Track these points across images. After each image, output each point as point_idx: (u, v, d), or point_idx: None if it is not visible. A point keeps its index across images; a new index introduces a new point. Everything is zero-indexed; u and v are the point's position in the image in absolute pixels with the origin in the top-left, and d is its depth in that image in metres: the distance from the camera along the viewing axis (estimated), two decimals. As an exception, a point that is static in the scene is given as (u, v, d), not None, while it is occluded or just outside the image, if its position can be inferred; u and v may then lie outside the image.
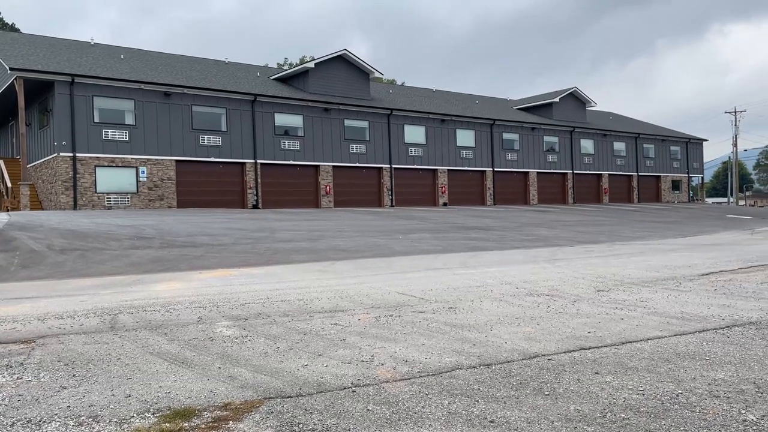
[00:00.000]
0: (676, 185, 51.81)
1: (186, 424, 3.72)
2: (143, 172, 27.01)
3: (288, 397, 4.04)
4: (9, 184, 26.56)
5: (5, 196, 26.83)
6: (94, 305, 7.64)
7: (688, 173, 53.20)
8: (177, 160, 27.80)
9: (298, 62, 50.57)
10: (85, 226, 17.42)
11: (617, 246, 16.42)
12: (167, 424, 3.72)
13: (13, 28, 56.92)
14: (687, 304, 7.10)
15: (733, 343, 5.19)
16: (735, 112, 68.94)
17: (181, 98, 27.98)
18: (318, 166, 31.85)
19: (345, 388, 4.14)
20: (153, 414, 3.88)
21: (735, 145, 69.36)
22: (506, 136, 40.09)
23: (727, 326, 5.89)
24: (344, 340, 5.53)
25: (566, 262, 12.19)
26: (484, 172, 38.83)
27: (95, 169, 25.79)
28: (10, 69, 24.02)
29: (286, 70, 37.39)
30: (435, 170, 36.44)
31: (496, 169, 39.24)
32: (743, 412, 3.54)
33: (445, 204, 36.28)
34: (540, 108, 44.86)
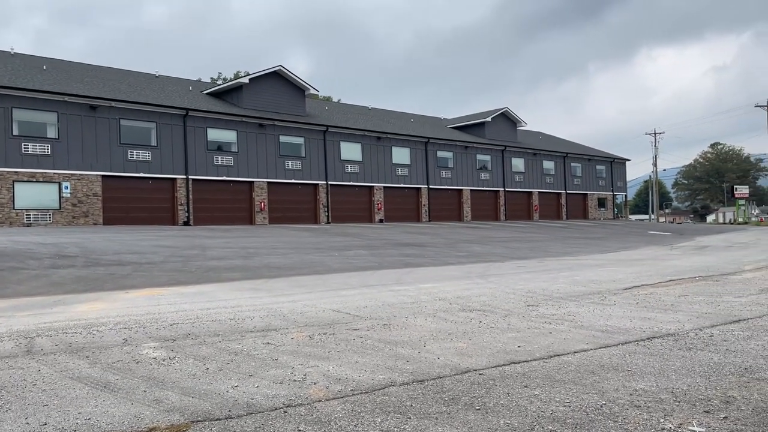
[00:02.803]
0: (601, 203, 54.18)
1: (106, 453, 3.54)
2: (66, 188, 25.84)
3: (217, 419, 3.92)
4: None
5: None
6: (9, 328, 7.19)
7: (612, 191, 55.78)
8: (103, 176, 26.78)
9: (233, 77, 49.91)
10: (1, 244, 16.45)
11: (547, 261, 16.95)
12: (86, 453, 3.53)
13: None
14: (611, 318, 7.39)
15: (653, 354, 5.44)
16: (655, 133, 73.06)
17: (109, 111, 27.04)
18: (252, 182, 31.40)
19: (276, 409, 4.06)
20: (71, 443, 3.68)
21: (655, 165, 73.46)
22: (440, 154, 40.87)
23: (648, 338, 6.18)
24: (276, 359, 5.43)
25: (498, 278, 12.47)
26: (419, 189, 39.36)
27: (13, 184, 24.48)
28: None
29: (220, 84, 36.85)
30: (371, 187, 36.65)
31: (431, 187, 39.86)
32: (662, 420, 3.71)
33: (381, 220, 36.50)
34: (473, 127, 46.05)
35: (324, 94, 62.18)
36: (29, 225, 24.56)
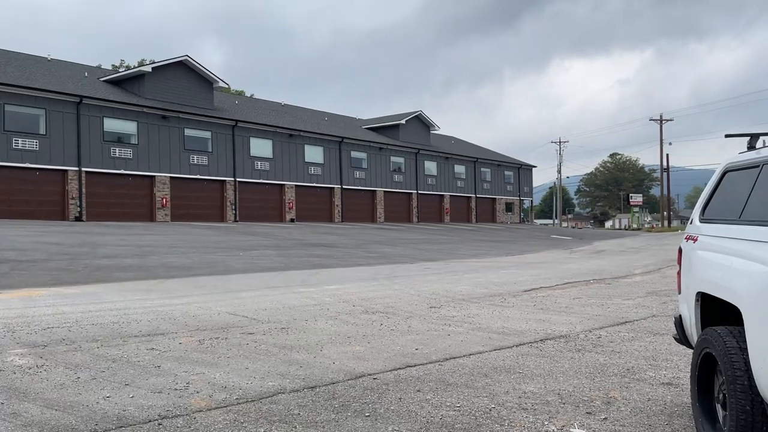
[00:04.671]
0: (509, 207, 56.13)
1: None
2: (-60, 178, 23.50)
3: (79, 435, 3.53)
4: None
5: None
6: None
7: (519, 196, 57.94)
8: (-14, 165, 24.56)
9: (136, 65, 47.38)
10: None
11: (454, 263, 17.22)
12: None
13: None
14: (509, 320, 7.51)
15: (544, 356, 5.52)
16: (560, 142, 76.60)
17: (-8, 96, 24.82)
18: (154, 176, 29.85)
19: (150, 421, 3.72)
20: None
21: (559, 172, 77.00)
22: (355, 154, 40.78)
23: (541, 340, 6.29)
24: (159, 366, 5.03)
25: (405, 279, 12.48)
26: (332, 189, 39.07)
27: None
28: None
29: (120, 72, 34.87)
30: (282, 185, 35.95)
31: (344, 187, 39.68)
32: (546, 423, 3.72)
33: (292, 220, 35.89)
34: (388, 129, 46.32)
35: (236, 87, 60.47)
36: None
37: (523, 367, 5.07)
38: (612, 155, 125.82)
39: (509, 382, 4.61)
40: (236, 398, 4.18)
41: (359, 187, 40.85)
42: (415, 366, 5.11)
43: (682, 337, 3.88)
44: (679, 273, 3.99)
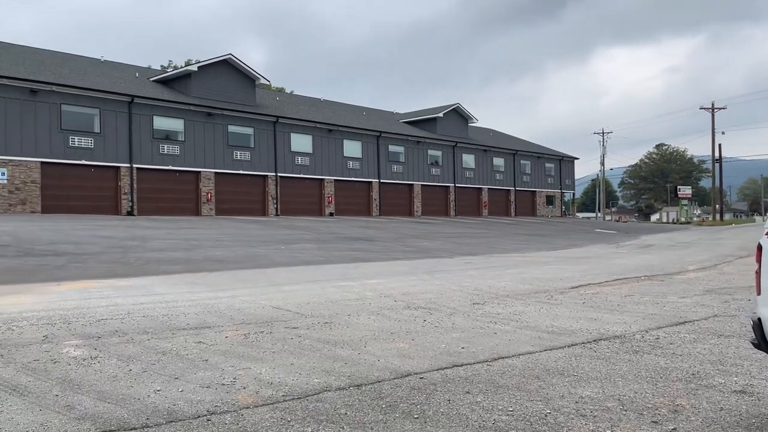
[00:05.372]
0: (550, 200, 55.20)
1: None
2: (3, 174, 24.49)
3: (132, 429, 3.59)
4: None
5: None
6: None
7: (561, 189, 56.88)
8: (43, 162, 25.50)
9: (184, 65, 48.42)
10: None
11: (494, 258, 17.01)
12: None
13: None
14: (557, 318, 7.33)
15: (599, 358, 5.33)
16: (603, 133, 74.79)
17: (50, 96, 25.73)
18: (199, 172, 30.50)
19: (199, 417, 3.75)
20: (-38, 457, 3.30)
21: (602, 163, 75.22)
22: (392, 148, 40.73)
23: (594, 340, 6.10)
24: (206, 360, 5.10)
25: (445, 274, 12.38)
26: (370, 183, 39.14)
27: (-58, 169, 23.05)
28: None
29: (168, 72, 35.66)
30: (322, 180, 36.20)
31: (382, 181, 39.70)
32: None
33: (331, 214, 36.11)
34: (425, 122, 46.09)
35: (277, 84, 61.13)
36: (-42, 212, 23.18)
37: (578, 370, 4.91)
38: (658, 146, 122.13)
39: (564, 385, 4.47)
40: (282, 395, 4.19)
41: (397, 181, 40.80)
42: (462, 366, 5.02)
43: (762, 343, 3.52)
44: (758, 272, 3.65)
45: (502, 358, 5.32)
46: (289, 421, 3.67)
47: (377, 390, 4.32)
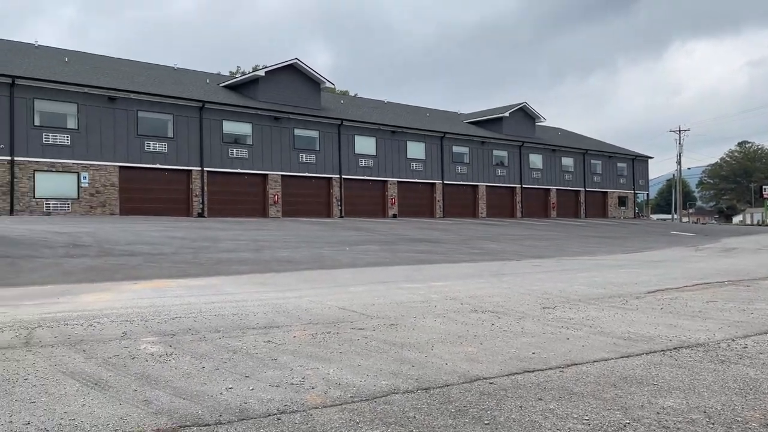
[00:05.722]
0: (622, 201, 53.34)
1: (85, 459, 3.31)
2: (85, 178, 25.93)
3: (206, 425, 3.66)
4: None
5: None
6: (13, 318, 7.02)
7: (634, 190, 54.87)
8: (121, 166, 26.83)
9: (251, 70, 49.86)
10: (18, 232, 16.47)
11: (564, 261, 16.54)
12: (64, 458, 3.30)
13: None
14: (634, 324, 7.02)
15: (681, 367, 5.05)
16: (679, 130, 71.51)
17: (127, 103, 27.05)
18: (266, 175, 31.28)
19: (270, 416, 3.78)
20: (50, 446, 3.45)
21: (679, 163, 71.93)
22: (456, 149, 40.43)
23: (675, 348, 5.79)
24: (276, 359, 5.16)
25: (513, 277, 12.12)
26: (433, 184, 38.99)
27: (34, 174, 24.62)
28: (-58, 67, 22.75)
29: (237, 78, 36.77)
30: (385, 181, 36.36)
31: (445, 182, 39.47)
32: (690, 443, 3.36)
33: (394, 215, 36.21)
34: (490, 122, 45.51)
35: (341, 87, 61.97)
36: (49, 214, 24.67)
37: (657, 379, 4.65)
38: (740, 144, 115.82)
39: (643, 394, 4.24)
40: (350, 396, 4.17)
41: (461, 182, 40.47)
42: (533, 371, 4.86)
43: None
44: None
45: (576, 364, 5.12)
46: (357, 423, 3.65)
47: (446, 394, 4.24)
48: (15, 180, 24.01)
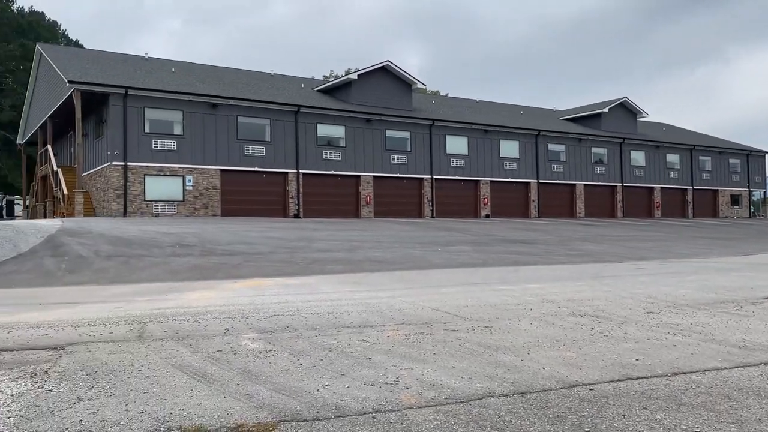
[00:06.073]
0: (735, 200, 49.65)
1: (194, 447, 3.50)
2: (189, 181, 27.48)
3: (304, 420, 3.77)
4: (65, 192, 27.45)
5: (62, 203, 27.73)
6: (127, 313, 7.57)
7: (749, 187, 50.91)
8: (222, 170, 28.21)
9: (344, 74, 50.99)
10: (131, 233, 17.71)
11: (670, 263, 15.62)
12: (175, 446, 3.51)
13: (77, 45, 59.39)
14: (750, 331, 6.50)
15: (803, 378, 4.63)
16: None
17: (228, 109, 28.43)
18: (359, 176, 31.82)
19: (365, 414, 3.84)
20: (162, 434, 3.68)
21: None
22: (552, 147, 39.23)
23: (796, 357, 5.31)
24: (370, 358, 5.23)
25: (613, 280, 11.59)
26: (528, 183, 38.06)
27: (144, 178, 26.40)
28: (69, 82, 24.89)
29: (330, 81, 37.66)
30: (477, 181, 35.91)
31: (540, 181, 38.41)
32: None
33: (487, 216, 35.68)
34: (588, 118, 43.79)
35: (433, 87, 61.93)
36: (157, 215, 26.41)
37: (777, 391, 4.30)
38: None
39: (761, 407, 3.92)
40: (445, 398, 4.15)
41: (557, 181, 39.22)
42: (637, 379, 4.62)
43: None
44: None
45: (684, 373, 4.81)
46: (453, 425, 3.62)
47: (543, 399, 4.12)
48: (128, 184, 25.90)
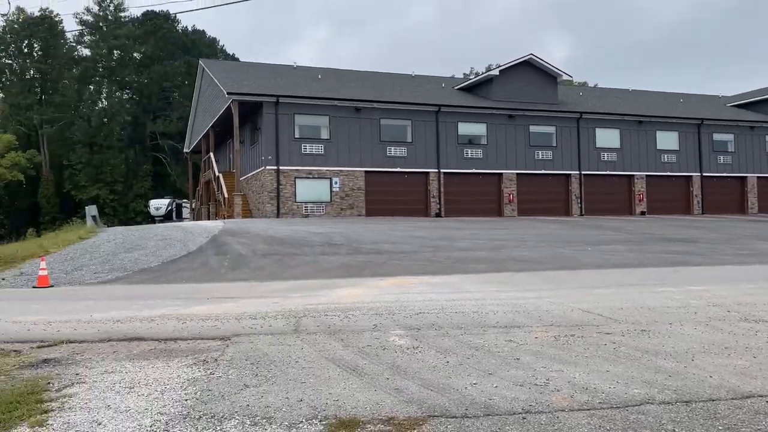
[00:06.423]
0: None
1: (349, 436, 3.68)
2: (336, 183, 28.77)
3: (453, 417, 3.81)
4: (226, 195, 30.04)
5: (222, 206, 30.39)
6: (283, 308, 8.11)
7: None
8: (366, 171, 29.17)
9: (484, 71, 50.48)
10: (283, 233, 18.92)
11: None
12: (331, 433, 3.72)
13: (233, 58, 64.86)
14: None
15: None
16: None
17: (371, 112, 29.35)
18: (501, 173, 31.24)
19: (514, 414, 3.79)
20: (320, 421, 3.92)
21: None
22: (717, 136, 35.70)
23: None
24: (518, 359, 5.14)
25: (795, 282, 10.31)
26: (689, 177, 34.98)
27: (295, 181, 28.07)
28: (228, 93, 27.20)
29: (471, 79, 37.39)
30: (631, 176, 33.67)
31: (704, 174, 35.12)
32: None
33: (642, 213, 33.34)
34: (761, 104, 39.24)
35: (579, 79, 59.08)
36: (306, 216, 28.00)
37: None
38: None
39: None
40: (599, 402, 3.98)
41: (724, 174, 35.60)
42: (828, 393, 4.09)
43: None
44: None
45: None
46: (608, 430, 3.46)
47: (711, 409, 3.79)
48: (280, 186, 27.75)
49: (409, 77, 37.42)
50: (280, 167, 27.80)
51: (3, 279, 14.01)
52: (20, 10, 57.26)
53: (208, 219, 33.00)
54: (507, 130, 31.41)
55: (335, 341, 6.03)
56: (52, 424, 3.96)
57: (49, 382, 4.91)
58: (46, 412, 4.19)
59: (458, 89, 35.05)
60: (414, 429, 3.68)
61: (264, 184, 27.89)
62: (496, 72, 33.04)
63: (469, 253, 15.35)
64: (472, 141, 31.12)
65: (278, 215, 27.40)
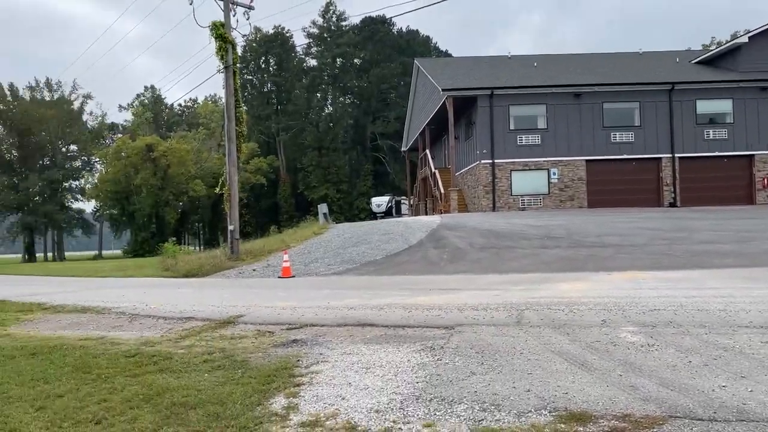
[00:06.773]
0: None
1: (581, 429, 3.59)
2: (554, 174, 27.82)
3: (698, 419, 3.49)
4: (442, 191, 30.95)
5: (439, 201, 31.37)
6: (504, 300, 8.14)
7: None
8: (587, 160, 27.74)
9: (728, 39, 44.36)
10: (500, 227, 18.90)
11: None
12: (562, 425, 3.66)
13: (446, 54, 66.47)
14: None
15: None
16: None
17: (591, 97, 27.80)
18: (752, 155, 27.25)
19: (776, 424, 3.33)
20: (549, 412, 3.88)
21: None
22: None
23: None
24: (779, 364, 4.49)
25: None
26: None
27: (510, 173, 27.80)
28: (442, 90, 27.93)
29: (711, 51, 33.21)
30: None
31: None
32: None
33: None
34: None
35: None
36: (523, 209, 27.53)
37: None
38: None
39: None
40: None
41: None
42: None
43: None
44: None
45: None
46: None
47: None
48: (495, 180, 27.64)
49: (636, 55, 34.59)
50: (495, 160, 27.76)
51: (254, 270, 16.28)
52: (257, 29, 65.53)
53: (426, 214, 34.30)
54: (759, 104, 27.27)
55: (560, 335, 5.88)
56: (303, 396, 4.52)
57: (298, 360, 5.59)
58: (297, 386, 4.79)
59: (695, 63, 31.44)
60: (652, 427, 3.45)
61: (479, 178, 28.11)
62: (744, 39, 28.87)
63: (710, 246, 13.73)
64: (713, 120, 27.66)
65: (494, 209, 27.41)
